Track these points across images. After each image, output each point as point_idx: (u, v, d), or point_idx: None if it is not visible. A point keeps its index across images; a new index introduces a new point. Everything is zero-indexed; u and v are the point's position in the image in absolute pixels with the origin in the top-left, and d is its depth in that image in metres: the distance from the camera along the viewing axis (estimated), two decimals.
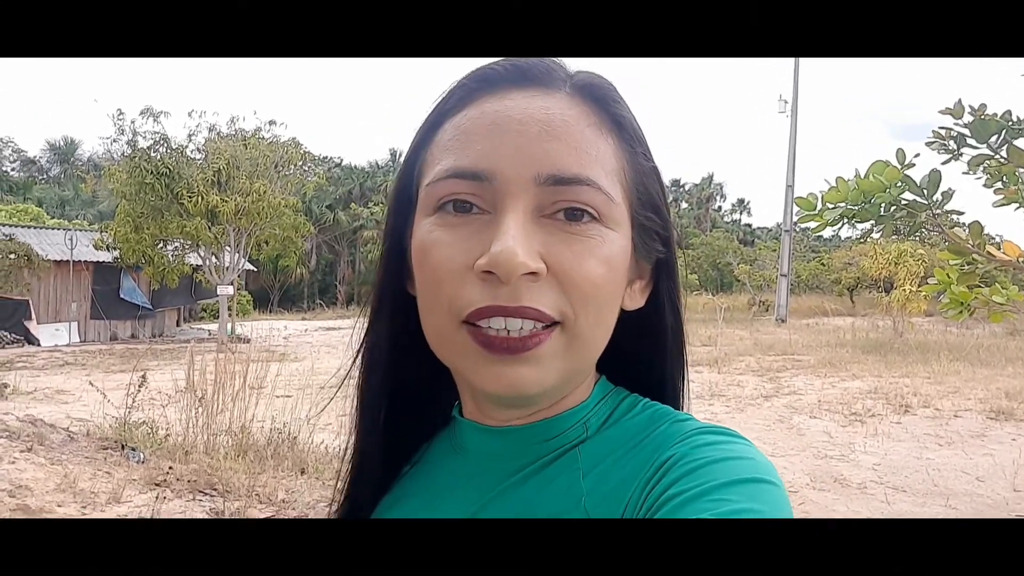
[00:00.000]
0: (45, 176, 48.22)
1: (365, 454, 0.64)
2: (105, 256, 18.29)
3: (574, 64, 0.57)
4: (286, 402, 6.08)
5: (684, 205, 55.33)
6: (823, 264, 32.59)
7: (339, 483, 0.67)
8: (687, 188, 57.37)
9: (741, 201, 60.74)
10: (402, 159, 0.60)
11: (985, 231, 2.84)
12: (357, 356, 0.64)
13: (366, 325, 0.63)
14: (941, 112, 2.36)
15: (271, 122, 18.94)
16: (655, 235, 0.57)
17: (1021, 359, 12.23)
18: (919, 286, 15.70)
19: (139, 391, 5.67)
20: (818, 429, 7.53)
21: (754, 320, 22.68)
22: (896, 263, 18.47)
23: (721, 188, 57.79)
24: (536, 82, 0.54)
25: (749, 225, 59.61)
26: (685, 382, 0.63)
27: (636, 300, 0.58)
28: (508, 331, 0.49)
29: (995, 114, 2.34)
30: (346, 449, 0.66)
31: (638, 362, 0.61)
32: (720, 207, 58.79)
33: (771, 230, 52.54)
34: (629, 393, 0.60)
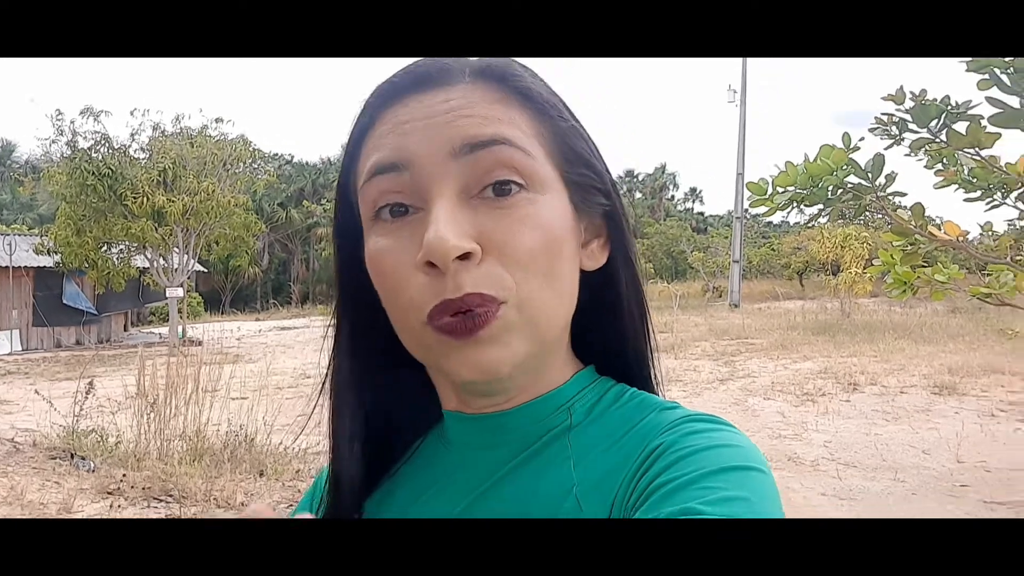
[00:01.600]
0: None
1: (344, 467, 0.64)
2: (46, 261, 17.65)
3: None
4: (242, 404, 5.96)
5: (638, 195, 55.92)
6: (773, 249, 33.33)
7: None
8: (640, 178, 57.99)
9: (693, 190, 61.58)
10: (336, 185, 0.61)
11: (927, 212, 2.93)
12: (328, 374, 0.64)
13: (334, 343, 0.63)
14: (883, 99, 2.43)
15: (218, 119, 18.51)
16: (593, 189, 0.57)
17: (962, 336, 12.72)
18: (864, 268, 16.17)
19: (86, 398, 5.51)
20: (772, 410, 7.72)
21: (708, 306, 23.09)
22: (842, 246, 19.01)
23: (674, 177, 58.54)
24: (434, 83, 0.54)
25: (702, 213, 60.52)
26: (649, 336, 0.63)
27: (597, 259, 0.59)
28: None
29: (935, 99, 2.41)
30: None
31: (598, 323, 0.61)
32: (673, 196, 59.57)
33: (723, 217, 53.52)
34: (616, 383, 0.60)
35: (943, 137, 2.43)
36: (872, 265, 3.57)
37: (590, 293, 0.58)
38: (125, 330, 21.29)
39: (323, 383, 0.64)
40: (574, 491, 0.51)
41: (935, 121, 2.39)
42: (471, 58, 0.56)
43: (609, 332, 0.61)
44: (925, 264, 3.23)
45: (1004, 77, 2.07)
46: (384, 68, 0.58)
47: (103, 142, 17.01)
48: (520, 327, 0.51)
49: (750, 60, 23.83)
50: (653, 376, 0.63)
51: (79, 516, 4.06)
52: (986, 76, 2.12)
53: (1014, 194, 2.91)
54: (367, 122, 0.56)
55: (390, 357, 0.61)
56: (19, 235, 19.85)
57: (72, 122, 17.02)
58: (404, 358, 0.57)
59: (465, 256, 0.49)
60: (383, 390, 0.64)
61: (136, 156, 17.42)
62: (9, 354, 16.67)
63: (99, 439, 5.46)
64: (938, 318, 15.62)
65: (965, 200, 3.02)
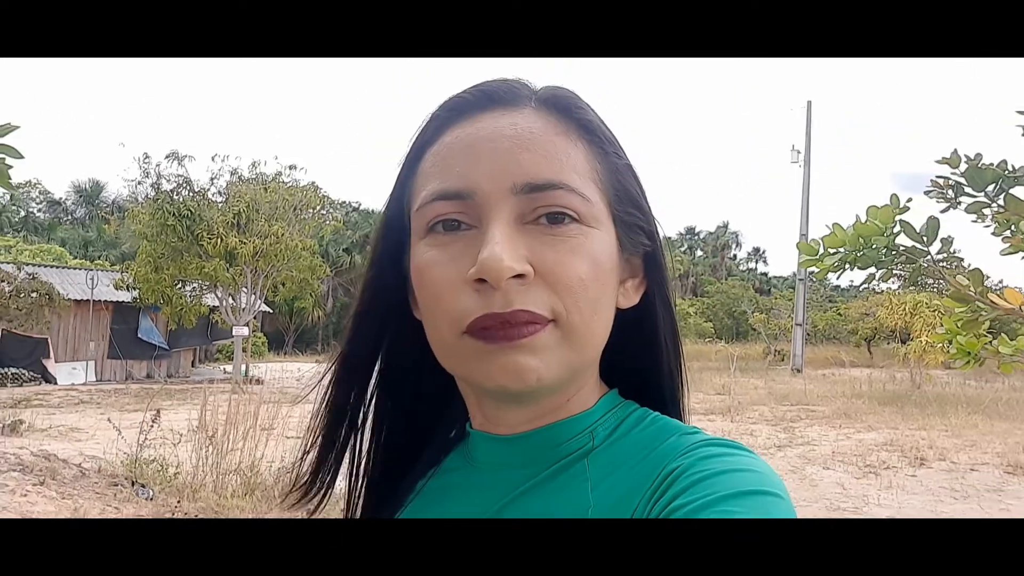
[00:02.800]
0: (70, 217, 49.23)
1: (372, 480, 0.67)
2: (124, 296, 18.53)
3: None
4: (296, 443, 6.08)
5: (699, 253, 55.32)
6: (840, 314, 32.34)
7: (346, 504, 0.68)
8: (702, 236, 57.44)
9: (757, 250, 60.65)
10: (389, 194, 0.62)
11: (988, 279, 2.86)
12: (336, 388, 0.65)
13: (351, 355, 0.64)
14: (938, 162, 2.42)
15: (291, 167, 19.30)
16: (638, 229, 0.59)
17: None
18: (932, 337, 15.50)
19: (151, 428, 5.72)
20: (831, 480, 7.41)
21: (769, 369, 22.44)
22: (912, 313, 18.33)
23: (736, 236, 57.81)
24: (502, 103, 0.56)
25: (765, 274, 59.36)
26: (683, 374, 0.65)
27: (631, 298, 0.60)
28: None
29: (991, 163, 2.39)
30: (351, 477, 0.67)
31: (633, 358, 0.62)
32: (735, 255, 58.72)
33: (787, 279, 52.31)
34: (639, 407, 0.60)
35: (1001, 201, 2.39)
36: (937, 334, 3.46)
37: (628, 329, 0.60)
38: (193, 366, 22.04)
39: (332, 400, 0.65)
40: (589, 513, 0.52)
41: (992, 186, 2.36)
42: (539, 87, 0.59)
43: (645, 368, 0.63)
44: (991, 334, 3.12)
45: None
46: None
47: (185, 185, 17.93)
48: (560, 347, 0.53)
49: (813, 121, 23.59)
50: (682, 411, 0.64)
51: None
52: None
53: None
54: (431, 135, 0.58)
55: (417, 375, 0.64)
56: (102, 271, 20.93)
57: (158, 165, 18.04)
58: (431, 376, 0.59)
59: (517, 277, 0.51)
60: (406, 407, 0.67)
61: (214, 199, 18.28)
62: (83, 384, 17.43)
63: (159, 468, 5.66)
64: (1015, 393, 14.79)
65: None
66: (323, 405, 0.66)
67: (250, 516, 4.73)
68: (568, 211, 0.53)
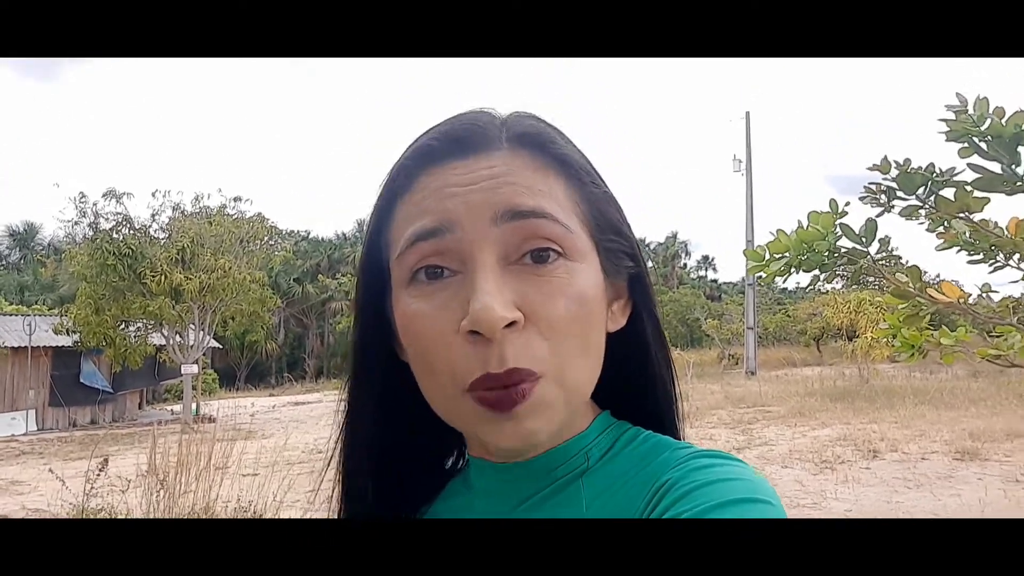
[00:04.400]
0: (4, 262, 47.40)
1: (357, 506, 0.65)
2: (65, 340, 17.85)
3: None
4: (253, 480, 5.93)
5: (650, 264, 56.09)
6: (789, 316, 33.12)
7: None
8: (652, 247, 58.33)
9: (706, 258, 61.83)
10: (363, 244, 0.61)
11: (926, 273, 2.96)
12: (341, 431, 0.65)
13: (347, 398, 0.64)
14: (869, 168, 2.50)
15: (236, 199, 18.95)
16: (622, 254, 0.60)
17: (984, 400, 12.47)
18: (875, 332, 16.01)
19: (98, 476, 5.50)
20: (790, 478, 7.55)
21: (724, 374, 22.83)
22: (856, 311, 18.91)
23: (686, 246, 58.84)
24: (474, 148, 0.55)
25: (715, 281, 60.56)
26: (675, 387, 0.65)
27: (618, 321, 0.60)
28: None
29: (919, 167, 2.48)
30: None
31: (625, 374, 0.63)
32: (685, 264, 59.73)
33: (736, 284, 53.47)
34: (631, 426, 0.61)
35: (932, 203, 2.48)
36: (881, 329, 3.58)
37: (618, 347, 0.60)
38: (140, 408, 21.30)
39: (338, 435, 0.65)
40: None
41: (922, 188, 2.45)
42: (505, 119, 0.58)
43: (638, 383, 0.64)
44: (932, 327, 3.23)
45: (983, 145, 2.14)
46: (402, 144, 0.58)
47: (124, 223, 17.42)
48: (556, 398, 0.53)
49: (752, 130, 24.31)
50: (678, 417, 0.65)
51: None
52: (965, 144, 2.19)
53: (1016, 256, 2.94)
54: (403, 184, 0.56)
55: (414, 413, 0.62)
56: (39, 315, 20.15)
57: (95, 204, 17.50)
58: (427, 414, 0.58)
59: (509, 324, 0.50)
60: (403, 442, 0.65)
61: (156, 236, 17.81)
62: (24, 434, 16.69)
63: (108, 518, 5.44)
64: (959, 382, 15.34)
65: (969, 262, 3.05)
66: (343, 474, 0.65)
67: None
68: (552, 245, 0.53)
